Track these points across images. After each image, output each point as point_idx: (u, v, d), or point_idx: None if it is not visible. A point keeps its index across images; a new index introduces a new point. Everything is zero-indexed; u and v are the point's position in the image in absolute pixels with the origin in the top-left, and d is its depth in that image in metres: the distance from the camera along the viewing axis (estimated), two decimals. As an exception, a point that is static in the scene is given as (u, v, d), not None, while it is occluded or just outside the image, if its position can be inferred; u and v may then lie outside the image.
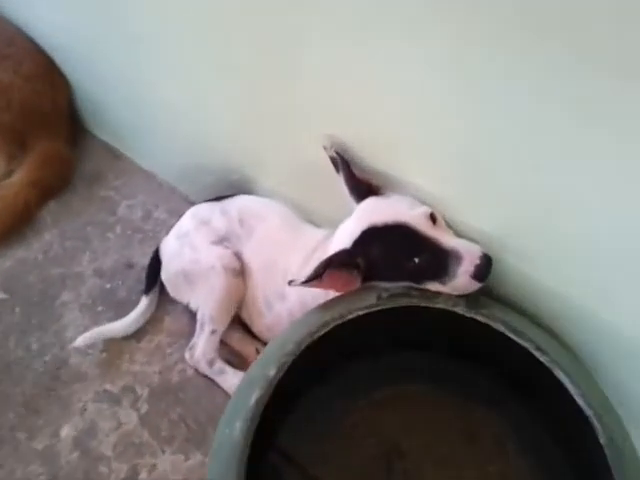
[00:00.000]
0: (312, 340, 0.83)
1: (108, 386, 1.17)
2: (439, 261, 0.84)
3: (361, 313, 0.86)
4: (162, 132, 1.39)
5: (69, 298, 1.30)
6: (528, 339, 0.83)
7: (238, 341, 1.21)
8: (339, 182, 0.96)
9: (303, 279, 0.85)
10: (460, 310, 0.86)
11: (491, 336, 0.85)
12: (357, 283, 0.90)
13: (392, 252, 0.86)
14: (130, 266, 1.36)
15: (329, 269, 0.86)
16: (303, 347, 0.83)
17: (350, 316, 0.86)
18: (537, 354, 0.82)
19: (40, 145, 1.47)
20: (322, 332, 0.84)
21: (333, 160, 0.96)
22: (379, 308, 0.86)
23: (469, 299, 0.86)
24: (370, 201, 0.92)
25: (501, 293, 0.91)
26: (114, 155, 1.60)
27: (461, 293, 0.86)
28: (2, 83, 1.42)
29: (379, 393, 0.98)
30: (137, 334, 1.24)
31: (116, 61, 1.33)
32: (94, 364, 1.20)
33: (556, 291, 0.84)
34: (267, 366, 0.81)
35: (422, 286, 0.87)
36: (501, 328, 0.84)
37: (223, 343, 1.19)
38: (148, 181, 1.53)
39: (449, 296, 0.86)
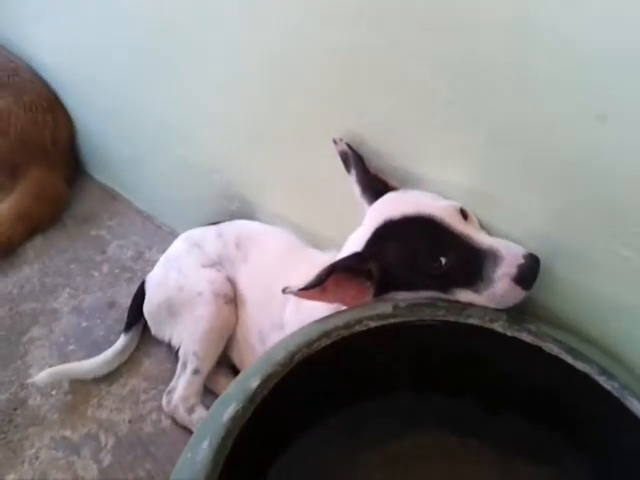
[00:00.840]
0: (309, 352, 0.64)
1: (67, 433, 0.95)
2: (472, 262, 0.67)
3: (372, 325, 0.67)
4: (159, 171, 1.28)
5: (39, 334, 1.13)
6: (589, 361, 0.63)
7: (225, 387, 1.00)
8: (350, 183, 0.81)
9: (301, 286, 0.68)
10: (499, 327, 0.67)
11: (541, 361, 0.66)
12: (369, 295, 0.72)
13: (412, 251, 0.69)
14: (112, 305, 1.19)
15: (334, 275, 0.69)
16: (297, 359, 0.64)
17: (358, 327, 0.67)
18: (601, 380, 0.62)
19: (34, 178, 1.36)
20: (323, 343, 0.65)
21: (344, 156, 0.81)
22: (395, 320, 0.68)
23: (510, 313, 0.68)
24: (387, 196, 0.76)
25: (548, 311, 0.71)
26: (111, 196, 1.48)
27: (500, 305, 0.67)
28: (1, 111, 1.34)
29: (394, 444, 0.76)
30: (110, 377, 1.05)
31: (119, 102, 1.26)
32: (55, 407, 1.00)
33: (623, 306, 0.65)
34: (249, 378, 0.62)
35: (451, 296, 0.69)
36: (554, 350, 0.65)
37: (207, 390, 0.99)
38: (144, 223, 1.40)
39: (485, 309, 0.68)
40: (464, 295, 0.68)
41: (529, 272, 0.64)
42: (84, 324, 1.16)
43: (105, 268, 1.28)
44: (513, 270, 0.64)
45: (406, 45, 0.70)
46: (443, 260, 0.67)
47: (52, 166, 1.40)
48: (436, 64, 0.68)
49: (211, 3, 0.91)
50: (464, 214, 0.71)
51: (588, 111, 0.58)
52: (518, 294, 0.66)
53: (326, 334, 0.66)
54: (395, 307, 0.69)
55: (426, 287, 0.70)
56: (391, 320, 0.68)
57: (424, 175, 0.76)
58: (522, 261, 0.64)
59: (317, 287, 0.68)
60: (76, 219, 1.42)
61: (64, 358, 1.08)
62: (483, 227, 0.72)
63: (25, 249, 1.33)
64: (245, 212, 1.10)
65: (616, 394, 0.61)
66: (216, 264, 0.99)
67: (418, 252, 0.68)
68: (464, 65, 0.65)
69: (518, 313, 0.68)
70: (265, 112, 0.94)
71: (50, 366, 1.03)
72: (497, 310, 0.67)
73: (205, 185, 1.15)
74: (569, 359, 0.64)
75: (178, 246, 1.04)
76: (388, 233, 0.71)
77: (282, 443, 0.69)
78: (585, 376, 0.63)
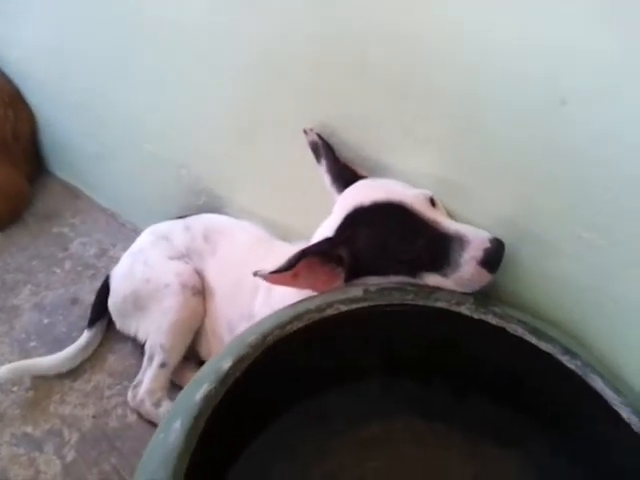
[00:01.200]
0: (281, 335, 0.64)
1: (29, 429, 0.92)
2: (440, 247, 0.68)
3: (343, 309, 0.68)
4: (125, 167, 1.26)
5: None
6: (553, 340, 0.65)
7: (193, 381, 0.99)
8: (320, 172, 0.82)
9: (272, 269, 0.68)
10: (466, 310, 0.68)
11: (506, 343, 0.67)
12: (340, 280, 0.72)
13: (383, 236, 0.69)
14: (75, 302, 1.16)
15: (305, 261, 0.69)
16: (269, 341, 0.63)
17: (330, 311, 0.67)
18: (565, 359, 0.64)
19: (-2, 174, 1.32)
20: (295, 326, 0.65)
21: (314, 146, 0.82)
22: (366, 304, 0.68)
23: (477, 297, 0.69)
24: (357, 184, 0.77)
25: (513, 295, 0.73)
26: (73, 194, 1.45)
27: (467, 289, 0.69)
28: (-39, 105, 1.30)
29: (364, 429, 0.76)
30: (73, 373, 1.02)
31: (85, 99, 1.24)
32: (16, 403, 0.96)
33: (584, 288, 0.67)
34: (221, 359, 0.61)
35: (420, 280, 0.70)
36: (519, 331, 0.66)
37: (174, 385, 0.97)
38: (108, 221, 1.37)
39: (452, 293, 0.69)
40: (432, 279, 0.69)
41: (494, 255, 0.66)
42: (46, 321, 1.12)
43: (67, 265, 1.25)
44: (479, 253, 0.66)
45: (373, 35, 0.71)
46: (412, 245, 0.68)
47: (13, 162, 1.36)
48: (402, 54, 0.69)
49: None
50: (433, 202, 0.72)
51: (551, 95, 0.60)
52: (484, 277, 0.67)
53: (298, 317, 0.66)
54: (365, 291, 0.69)
55: (396, 272, 0.71)
56: (362, 304, 0.68)
57: (393, 165, 0.77)
58: (488, 245, 0.66)
59: (288, 271, 0.68)
60: (37, 216, 1.38)
61: (25, 354, 1.04)
62: (451, 215, 0.74)
63: (-15, 246, 1.28)
64: (213, 206, 1.10)
65: (579, 372, 0.63)
66: (184, 256, 0.97)
67: (388, 238, 0.69)
68: (430, 55, 0.67)
69: (484, 297, 0.69)
70: (233, 105, 0.94)
71: (10, 362, 1.00)
72: (464, 294, 0.69)
73: (172, 180, 1.14)
74: (533, 339, 0.66)
75: (144, 239, 1.02)
76: (359, 219, 0.72)
77: (255, 428, 0.68)
78: (548, 356, 0.65)
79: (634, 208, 0.59)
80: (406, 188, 0.73)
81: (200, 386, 0.59)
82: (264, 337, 0.64)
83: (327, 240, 0.72)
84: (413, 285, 0.70)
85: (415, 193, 0.71)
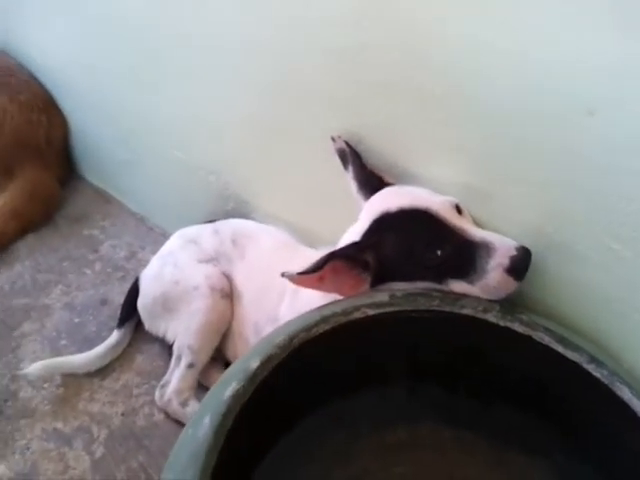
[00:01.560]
0: (308, 337, 0.65)
1: (59, 425, 0.94)
2: (466, 254, 0.68)
3: (370, 313, 0.68)
4: (155, 173, 1.28)
5: (30, 329, 1.11)
6: (579, 349, 0.65)
7: (219, 383, 1.00)
8: (347, 179, 0.82)
9: (300, 271, 0.69)
10: (492, 317, 0.68)
11: (532, 351, 0.67)
12: (366, 285, 0.73)
13: (409, 242, 0.70)
14: (104, 302, 1.18)
15: (332, 264, 0.70)
16: (296, 343, 0.64)
17: (356, 314, 0.68)
18: (591, 368, 0.64)
19: (27, 177, 1.36)
20: (321, 329, 0.66)
21: (341, 153, 0.83)
22: (392, 309, 0.69)
23: (503, 304, 0.69)
24: (383, 191, 0.77)
25: (539, 303, 0.73)
26: (103, 198, 1.47)
27: (493, 296, 0.69)
28: (-4, 109, 1.34)
29: (390, 433, 0.76)
30: (102, 371, 1.04)
31: (116, 106, 1.27)
32: (47, 399, 0.98)
33: (611, 299, 0.67)
34: (249, 359, 0.62)
35: (445, 287, 0.70)
36: (545, 339, 0.66)
37: (201, 386, 0.99)
38: (137, 224, 1.39)
39: (478, 300, 0.69)
40: (458, 286, 0.70)
41: (521, 263, 0.66)
42: (76, 320, 1.15)
43: (98, 266, 1.27)
44: (505, 261, 0.66)
45: (399, 44, 0.72)
46: (439, 252, 0.69)
47: (46, 166, 1.39)
48: (430, 62, 0.70)
49: (212, 7, 0.92)
50: (459, 209, 0.72)
51: (579, 105, 0.60)
52: (510, 285, 0.67)
53: (324, 320, 0.67)
54: (392, 296, 0.70)
55: (422, 278, 0.71)
56: (388, 309, 0.69)
57: (420, 173, 0.78)
58: (514, 253, 0.66)
59: (315, 273, 0.69)
60: (68, 219, 1.41)
61: (56, 353, 1.06)
62: (477, 223, 0.74)
63: (17, 247, 1.31)
64: (240, 212, 1.11)
65: (605, 381, 0.63)
66: (213, 260, 0.99)
67: (415, 244, 0.70)
68: (460, 64, 0.68)
69: (511, 304, 0.69)
70: (262, 113, 0.95)
71: (42, 360, 1.02)
72: (490, 301, 0.69)
73: (201, 186, 1.16)
74: (559, 348, 0.65)
75: (173, 242, 1.04)
76: (385, 225, 0.72)
77: (281, 428, 0.69)
78: (574, 365, 0.64)
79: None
80: (432, 195, 0.73)
81: (229, 384, 0.60)
82: (291, 339, 0.65)
83: (354, 244, 0.73)
84: (439, 291, 0.70)
85: (441, 200, 0.71)
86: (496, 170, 0.71)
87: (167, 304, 0.98)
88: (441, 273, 0.70)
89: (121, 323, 1.08)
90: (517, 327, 0.68)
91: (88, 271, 1.26)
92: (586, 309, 0.70)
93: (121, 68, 1.19)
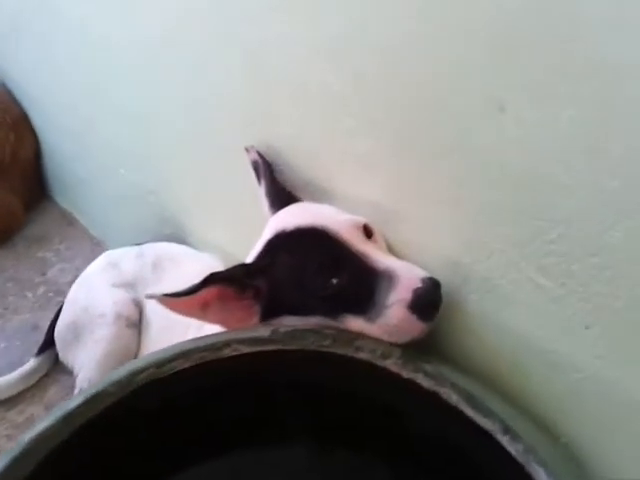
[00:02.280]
0: (159, 375, 0.52)
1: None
2: (365, 285, 0.55)
3: (244, 350, 0.55)
4: (106, 193, 1.20)
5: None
6: (492, 415, 0.50)
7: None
8: (259, 196, 0.71)
9: (170, 292, 0.57)
10: (392, 365, 0.54)
11: (439, 410, 0.53)
12: (254, 317, 0.60)
13: (301, 267, 0.57)
14: (35, 328, 1.08)
15: (212, 287, 0.58)
16: (140, 381, 0.52)
17: (226, 351, 0.55)
18: (504, 440, 0.49)
19: (-13, 194, 1.29)
20: (178, 365, 0.53)
21: (255, 165, 0.72)
22: (272, 347, 0.56)
23: (406, 350, 0.55)
24: (287, 208, 0.65)
25: (458, 347, 0.59)
26: (68, 221, 1.40)
27: (397, 339, 0.55)
28: (-40, 123, 1.29)
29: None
30: (9, 401, 0.93)
31: (75, 121, 1.20)
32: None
33: (536, 345, 0.52)
34: (73, 397, 0.50)
35: (341, 324, 0.57)
36: (453, 398, 0.52)
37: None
38: (93, 248, 1.30)
39: (378, 342, 0.55)
40: (355, 323, 0.56)
41: (425, 298, 0.52)
42: (2, 345, 1.05)
43: (41, 290, 1.18)
44: (408, 295, 0.53)
45: (313, 49, 0.61)
46: (334, 280, 0.56)
47: (9, 185, 1.33)
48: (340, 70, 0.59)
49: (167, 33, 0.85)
50: (368, 232, 0.60)
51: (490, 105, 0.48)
52: (415, 326, 0.54)
53: (184, 355, 0.54)
54: (274, 332, 0.56)
55: (314, 311, 0.58)
56: (268, 347, 0.56)
57: (334, 189, 0.66)
58: (419, 285, 0.53)
59: (189, 297, 0.57)
60: (28, 240, 1.34)
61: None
62: (392, 250, 0.61)
63: (-33, 267, 1.24)
64: (179, 237, 1.00)
65: (520, 459, 0.48)
66: (128, 285, 0.88)
67: (307, 268, 0.57)
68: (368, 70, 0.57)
69: (415, 350, 0.55)
70: (188, 135, 0.86)
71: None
72: (391, 345, 0.55)
73: (144, 208, 1.06)
74: (469, 411, 0.51)
75: (95, 264, 0.94)
76: (279, 246, 0.60)
77: None
78: (486, 434, 0.50)
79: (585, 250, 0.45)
80: (338, 214, 0.61)
81: (38, 423, 0.48)
82: (133, 375, 0.52)
83: (241, 266, 0.60)
84: (333, 329, 0.57)
85: (345, 219, 0.59)
86: (407, 187, 0.58)
87: (76, 332, 0.88)
88: (337, 306, 0.57)
89: (40, 350, 0.98)
90: (422, 380, 0.53)
91: (29, 294, 1.17)
92: (513, 360, 0.55)
93: (79, 83, 1.13)
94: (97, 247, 1.30)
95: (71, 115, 1.21)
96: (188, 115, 0.85)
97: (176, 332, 0.77)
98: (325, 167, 0.66)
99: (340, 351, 0.55)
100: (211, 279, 0.58)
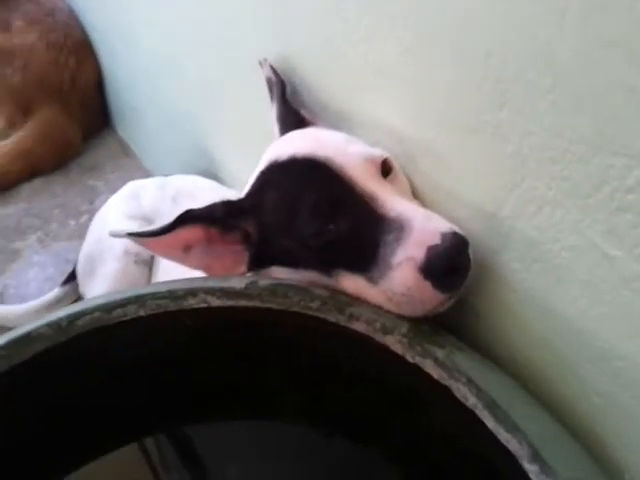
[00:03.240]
0: (104, 322, 0.42)
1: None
2: (370, 234, 0.41)
3: (214, 303, 0.43)
4: (155, 122, 1.11)
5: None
6: (517, 431, 0.35)
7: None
8: (271, 121, 0.57)
9: (138, 231, 0.47)
10: (395, 343, 0.40)
11: (451, 408, 0.38)
12: (242, 265, 0.48)
13: (292, 206, 0.44)
14: (69, 259, 1.03)
15: (191, 226, 0.47)
16: (81, 329, 0.41)
17: (191, 301, 0.43)
18: (532, 470, 0.34)
19: (43, 118, 1.24)
20: (129, 314, 0.42)
21: (269, 82, 0.58)
22: (244, 304, 0.43)
23: (416, 325, 0.41)
24: (291, 133, 0.52)
25: (489, 324, 0.43)
26: (124, 152, 1.33)
27: (407, 312, 0.40)
28: (24, 45, 1.24)
29: None
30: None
31: (131, 44, 1.10)
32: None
33: (613, 351, 0.36)
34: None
35: (336, 282, 0.44)
36: (469, 399, 0.37)
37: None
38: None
39: (378, 312, 0.41)
40: (353, 283, 0.43)
41: (445, 259, 0.38)
42: (34, 271, 1.01)
43: (84, 219, 1.13)
44: (420, 253, 0.38)
45: None
46: (331, 225, 0.42)
47: (66, 110, 1.27)
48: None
49: None
50: (386, 168, 0.45)
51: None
52: (429, 296, 0.39)
53: (137, 300, 0.43)
54: (251, 284, 0.44)
55: (305, 264, 0.45)
56: (241, 302, 0.44)
57: (355, 114, 0.51)
58: (437, 242, 0.38)
59: (162, 236, 0.46)
60: (82, 168, 1.29)
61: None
62: (418, 195, 0.46)
63: (22, 188, 1.21)
64: (212, 171, 0.90)
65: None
66: (145, 217, 0.78)
67: (298, 208, 0.44)
68: None
69: (428, 327, 0.41)
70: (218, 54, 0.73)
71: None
72: (397, 317, 0.41)
73: (182, 137, 0.97)
74: (489, 420, 0.36)
75: (118, 193, 0.85)
76: (270, 179, 0.47)
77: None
78: (509, 454, 0.35)
79: None
80: (349, 143, 0.46)
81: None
82: (74, 317, 0.42)
83: (222, 205, 0.48)
84: (326, 289, 0.44)
85: (356, 151, 0.44)
86: (434, 107, 0.42)
87: (91, 264, 0.80)
88: (332, 259, 0.43)
89: (66, 281, 0.91)
90: (430, 368, 0.39)
91: (73, 222, 1.12)
92: (561, 359, 0.39)
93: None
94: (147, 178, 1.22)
95: (126, 42, 1.11)
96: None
97: (187, 273, 0.68)
98: (346, 85, 0.51)
99: (330, 317, 0.42)
100: (184, 218, 0.46)
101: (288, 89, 0.56)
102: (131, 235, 0.46)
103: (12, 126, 1.24)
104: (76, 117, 1.30)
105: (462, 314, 0.44)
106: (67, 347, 0.42)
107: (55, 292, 0.91)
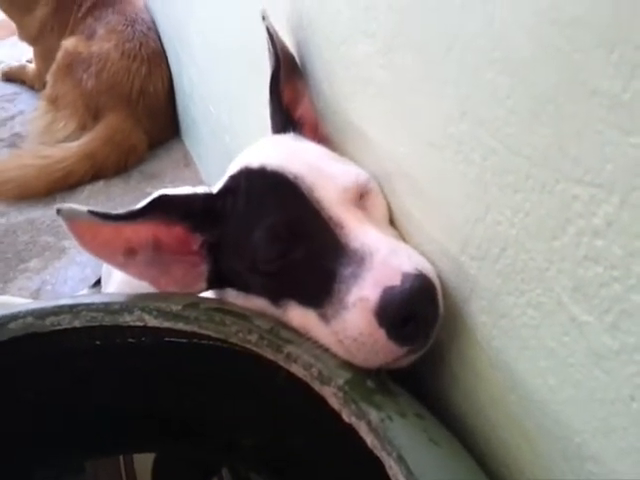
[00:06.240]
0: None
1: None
2: (327, 266, 0.35)
3: (149, 323, 0.39)
4: (217, 147, 1.10)
5: (34, 267, 1.03)
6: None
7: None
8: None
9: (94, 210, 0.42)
10: (331, 396, 0.34)
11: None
12: (199, 282, 0.43)
13: (248, 225, 0.39)
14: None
15: (156, 216, 0.43)
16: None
17: (128, 317, 0.39)
18: None
19: (110, 122, 1.29)
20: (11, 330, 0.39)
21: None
22: (180, 327, 0.39)
23: (358, 373, 0.34)
24: (271, 137, 0.47)
25: (461, 376, 0.36)
26: (185, 162, 1.35)
27: (361, 361, 0.34)
28: (100, 53, 1.30)
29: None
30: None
31: (196, 70, 1.11)
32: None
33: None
34: None
35: (283, 313, 0.38)
36: (397, 476, 0.30)
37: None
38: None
39: (319, 354, 0.35)
40: (302, 317, 0.37)
41: (399, 304, 0.31)
42: (73, 270, 1.03)
43: (133, 225, 1.14)
44: (374, 294, 0.32)
45: None
46: (286, 253, 0.37)
47: (133, 117, 1.31)
48: None
49: None
50: (363, 191, 0.39)
51: None
52: (385, 347, 0.33)
53: (71, 309, 0.40)
54: (190, 306, 0.39)
55: (256, 290, 0.40)
56: (178, 325, 0.39)
57: (357, 122, 0.45)
58: (395, 283, 0.31)
59: (119, 222, 0.43)
60: (143, 175, 1.32)
61: (35, 296, 0.97)
62: (396, 225, 0.40)
63: (84, 189, 1.25)
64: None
65: None
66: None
67: (254, 228, 0.38)
68: None
69: (378, 379, 0.34)
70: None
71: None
72: (340, 364, 0.34)
73: (223, 149, 0.95)
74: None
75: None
76: (238, 186, 0.42)
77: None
78: None
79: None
80: (332, 161, 0.40)
81: None
82: (4, 321, 0.39)
83: (206, 198, 0.43)
84: (270, 320, 0.38)
85: (335, 170, 0.39)
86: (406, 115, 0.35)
87: (108, 267, 0.79)
88: (282, 289, 0.38)
89: (95, 283, 0.92)
90: (364, 432, 0.32)
91: (122, 227, 1.14)
92: (534, 452, 0.31)
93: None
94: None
95: (191, 55, 1.12)
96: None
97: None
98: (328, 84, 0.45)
99: (268, 354, 0.36)
100: (158, 203, 0.42)
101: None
102: (91, 214, 0.42)
103: (83, 129, 1.30)
104: (143, 124, 1.33)
105: (438, 374, 0.37)
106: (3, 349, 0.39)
107: (82, 293, 0.91)
